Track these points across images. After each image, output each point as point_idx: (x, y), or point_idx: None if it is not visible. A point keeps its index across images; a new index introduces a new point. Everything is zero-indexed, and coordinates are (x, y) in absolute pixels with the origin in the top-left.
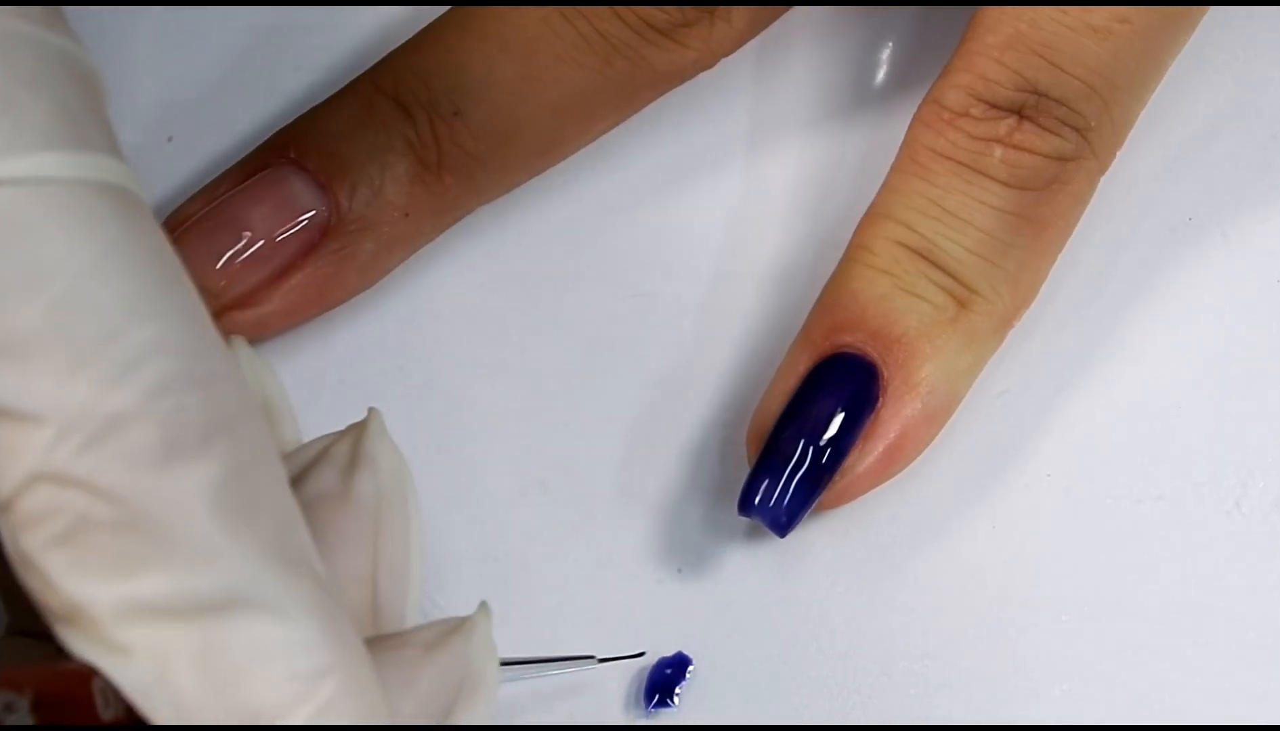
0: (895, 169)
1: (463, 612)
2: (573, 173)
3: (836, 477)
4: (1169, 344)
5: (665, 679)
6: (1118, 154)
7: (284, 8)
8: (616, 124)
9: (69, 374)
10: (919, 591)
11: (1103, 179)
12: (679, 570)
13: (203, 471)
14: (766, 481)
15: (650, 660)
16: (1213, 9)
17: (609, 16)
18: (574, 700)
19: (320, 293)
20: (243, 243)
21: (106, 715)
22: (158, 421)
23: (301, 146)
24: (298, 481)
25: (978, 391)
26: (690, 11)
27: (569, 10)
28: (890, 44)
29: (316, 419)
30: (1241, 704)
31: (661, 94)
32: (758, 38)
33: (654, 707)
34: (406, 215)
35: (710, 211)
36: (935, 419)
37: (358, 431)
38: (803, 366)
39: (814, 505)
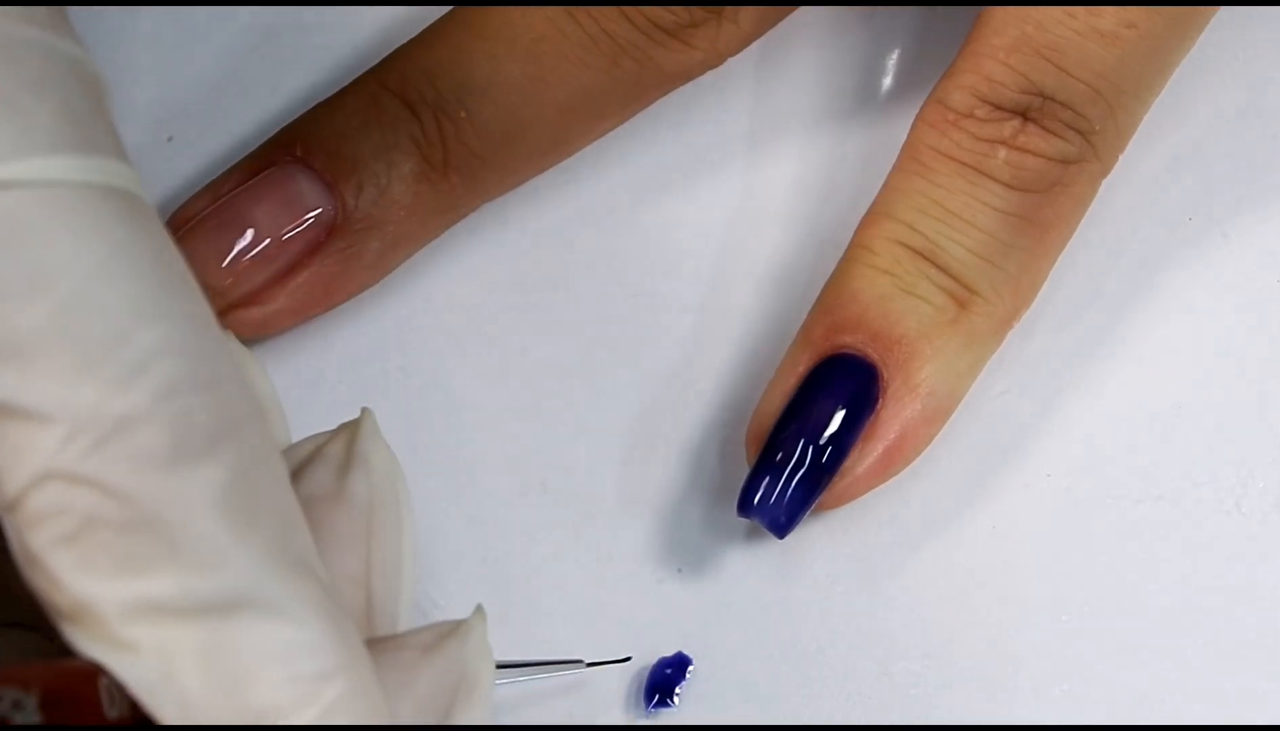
0: (897, 169)
1: (463, 612)
2: (573, 173)
3: (836, 478)
4: (1169, 344)
5: (665, 679)
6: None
7: (284, 8)
8: (621, 123)
9: (77, 375)
10: (919, 591)
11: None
12: (679, 570)
13: (209, 473)
14: (766, 482)
15: (650, 660)
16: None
17: (616, 17)
18: (574, 700)
19: (326, 291)
20: (248, 241)
21: (112, 713)
22: (166, 423)
23: (307, 144)
24: (292, 481)
25: (977, 392)
26: (697, 12)
27: (576, 10)
28: (891, 45)
29: (316, 418)
30: (1241, 704)
31: (666, 93)
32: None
33: (654, 707)
34: (412, 214)
35: (710, 211)
36: (935, 420)
37: (351, 431)
38: (802, 366)
39: (813, 506)
